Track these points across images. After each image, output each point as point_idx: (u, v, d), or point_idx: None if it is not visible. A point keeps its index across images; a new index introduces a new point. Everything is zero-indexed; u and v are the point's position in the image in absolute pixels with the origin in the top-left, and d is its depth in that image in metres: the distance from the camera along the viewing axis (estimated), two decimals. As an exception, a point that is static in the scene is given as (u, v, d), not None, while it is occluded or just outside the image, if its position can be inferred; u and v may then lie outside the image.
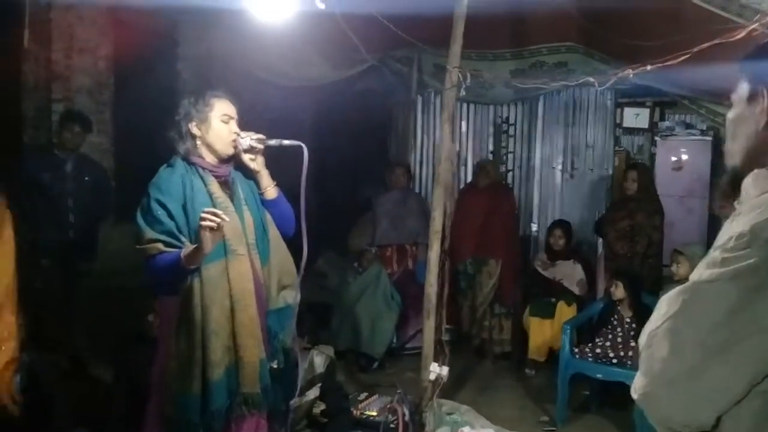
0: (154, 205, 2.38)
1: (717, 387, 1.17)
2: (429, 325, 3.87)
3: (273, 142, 2.54)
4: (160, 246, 2.34)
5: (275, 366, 2.55)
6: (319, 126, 6.93)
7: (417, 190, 6.39)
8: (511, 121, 6.79)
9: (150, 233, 2.36)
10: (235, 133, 2.51)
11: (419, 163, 6.57)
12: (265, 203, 2.60)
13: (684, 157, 6.84)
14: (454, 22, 3.88)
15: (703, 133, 6.68)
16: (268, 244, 2.55)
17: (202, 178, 2.45)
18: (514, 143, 6.79)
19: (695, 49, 2.99)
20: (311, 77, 6.04)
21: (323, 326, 5.22)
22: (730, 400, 1.16)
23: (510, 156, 6.81)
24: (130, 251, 5.43)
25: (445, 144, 3.90)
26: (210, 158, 2.51)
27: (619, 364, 4.22)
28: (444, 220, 3.87)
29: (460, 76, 3.88)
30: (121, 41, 5.68)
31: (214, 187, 2.46)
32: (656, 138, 6.96)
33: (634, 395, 1.32)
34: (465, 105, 6.53)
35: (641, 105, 6.87)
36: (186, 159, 2.48)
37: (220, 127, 2.50)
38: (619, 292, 4.39)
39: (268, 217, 2.59)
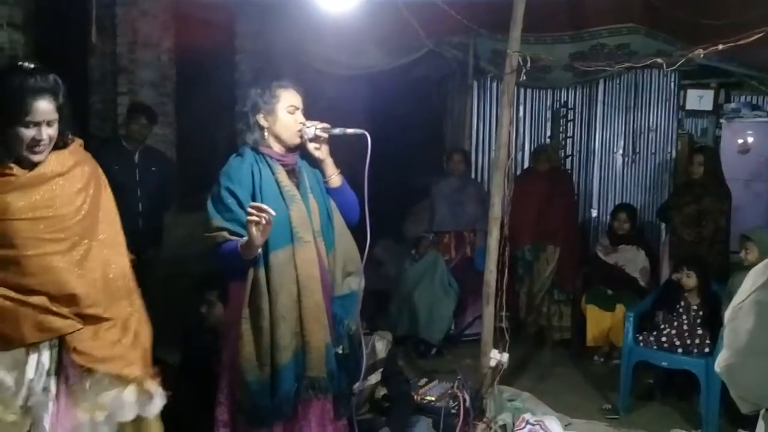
0: (225, 194, 2.44)
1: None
2: (488, 311, 3.87)
3: (337, 130, 2.57)
4: (226, 234, 2.41)
5: (341, 351, 2.60)
6: (375, 114, 6.94)
7: (473, 177, 6.35)
8: (570, 105, 6.66)
9: (218, 221, 2.43)
10: (301, 123, 2.56)
11: (475, 150, 6.52)
12: (330, 191, 2.64)
13: (750, 139, 6.62)
14: (514, 6, 3.83)
15: (771, 114, 6.44)
16: (332, 231, 2.59)
17: (270, 167, 2.51)
18: (573, 128, 6.67)
19: (764, 30, 2.87)
20: (366, 65, 6.06)
21: (381, 313, 5.26)
22: None
23: (569, 141, 6.69)
24: (194, 239, 5.60)
25: (504, 130, 3.87)
26: (277, 147, 2.57)
27: (685, 353, 4.12)
28: (503, 206, 3.85)
29: (520, 60, 3.83)
30: (182, 35, 5.82)
31: (282, 175, 2.52)
32: (721, 120, 6.75)
33: (717, 368, 1.31)
34: (522, 90, 6.45)
35: (705, 87, 6.65)
36: (254, 149, 2.53)
37: (286, 117, 2.54)
38: (690, 281, 4.28)
39: (333, 204, 2.63)
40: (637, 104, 6.45)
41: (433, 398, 3.78)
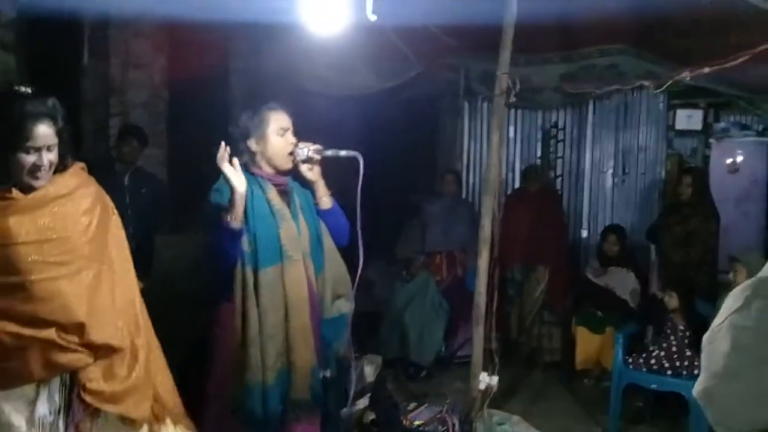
0: (215, 210, 2.45)
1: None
2: (478, 333, 3.85)
3: (330, 152, 2.58)
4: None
5: (328, 375, 2.59)
6: (366, 135, 6.97)
7: (464, 197, 6.37)
8: (560, 125, 6.70)
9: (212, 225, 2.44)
10: (292, 143, 2.57)
11: (466, 170, 6.55)
12: (321, 213, 2.65)
13: (739, 159, 6.65)
14: (503, 29, 3.86)
15: (759, 134, 6.48)
16: (322, 253, 2.60)
17: (261, 186, 2.53)
18: (564, 148, 6.70)
19: (757, 50, 2.90)
20: (357, 86, 6.09)
21: (371, 335, 5.25)
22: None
23: (559, 161, 6.73)
24: (184, 259, 5.57)
25: (494, 151, 3.88)
26: (269, 170, 2.58)
27: (675, 375, 4.12)
28: (493, 227, 3.85)
29: (509, 82, 3.86)
30: (175, 56, 5.84)
31: (273, 194, 2.53)
32: (710, 140, 6.78)
33: (694, 393, 1.30)
34: (513, 110, 6.48)
35: (694, 106, 6.69)
36: (246, 170, 2.53)
37: (277, 141, 2.56)
38: (673, 301, 4.30)
39: (323, 226, 2.64)
40: (627, 124, 6.49)
41: (422, 422, 3.77)
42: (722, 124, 6.81)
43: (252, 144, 2.55)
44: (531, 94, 5.86)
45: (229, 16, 4.79)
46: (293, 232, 2.50)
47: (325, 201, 2.66)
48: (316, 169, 2.61)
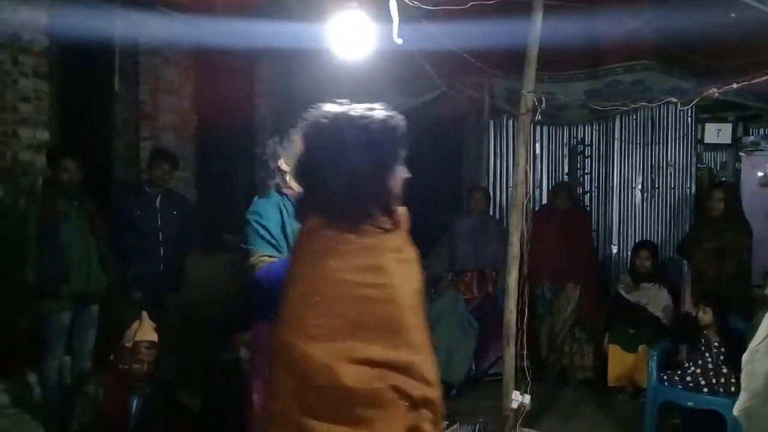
0: (256, 227, 2.54)
1: None
2: (509, 352, 3.83)
3: None
4: (266, 258, 2.47)
5: None
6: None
7: (492, 214, 6.36)
8: (587, 141, 6.67)
9: (259, 250, 2.50)
10: None
11: (493, 187, 6.54)
12: None
13: (771, 171, 6.56)
14: (528, 47, 3.89)
15: (790, 147, 6.40)
16: None
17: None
18: (591, 164, 6.67)
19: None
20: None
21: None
22: None
23: (586, 177, 6.69)
24: (215, 280, 5.62)
25: (521, 168, 3.89)
26: (299, 189, 2.63)
27: (711, 392, 4.05)
28: (522, 244, 3.85)
29: (535, 100, 3.87)
30: (203, 81, 5.96)
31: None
32: (740, 153, 6.71)
33: (735, 412, 1.30)
34: (539, 127, 6.48)
35: (723, 120, 6.63)
36: (278, 191, 2.65)
37: None
38: (707, 317, 4.23)
39: None
40: (655, 139, 6.44)
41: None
42: (752, 138, 6.74)
43: (282, 164, 2.64)
44: (557, 110, 5.85)
45: (256, 42, 4.89)
46: None
47: None
48: None
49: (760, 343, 1.31)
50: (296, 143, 2.62)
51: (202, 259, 5.78)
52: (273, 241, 2.51)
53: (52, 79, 4.76)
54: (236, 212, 6.62)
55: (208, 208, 6.19)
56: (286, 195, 2.62)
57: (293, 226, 2.50)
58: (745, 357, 1.34)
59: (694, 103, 3.23)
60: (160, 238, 4.60)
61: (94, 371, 3.59)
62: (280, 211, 2.58)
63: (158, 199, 4.70)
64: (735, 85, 2.93)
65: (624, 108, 3.61)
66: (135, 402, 3.28)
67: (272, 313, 2.43)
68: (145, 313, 3.46)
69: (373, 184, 1.66)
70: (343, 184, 1.64)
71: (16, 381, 4.03)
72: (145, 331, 3.36)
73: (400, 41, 3.09)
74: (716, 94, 3.06)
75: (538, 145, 6.57)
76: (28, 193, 4.38)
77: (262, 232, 2.52)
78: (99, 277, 4.22)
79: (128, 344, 3.29)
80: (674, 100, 3.34)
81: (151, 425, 3.25)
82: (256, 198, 2.67)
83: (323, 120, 1.73)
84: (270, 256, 2.48)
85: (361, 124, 1.68)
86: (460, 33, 4.46)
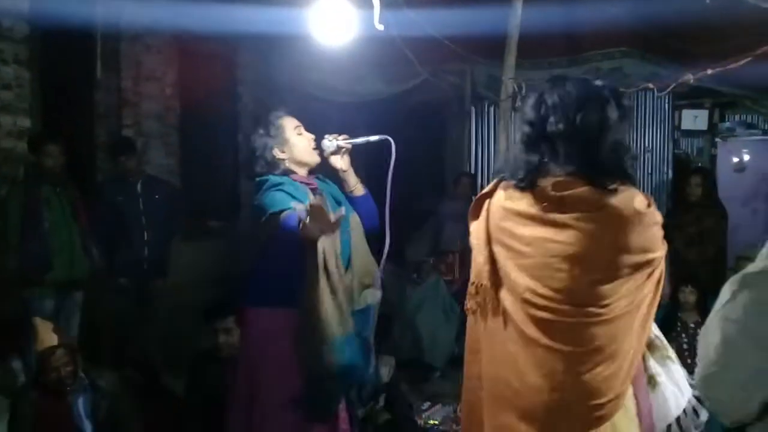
0: (271, 193, 2.46)
1: (761, 373, 1.21)
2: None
3: (360, 140, 2.62)
4: (285, 213, 2.34)
5: None
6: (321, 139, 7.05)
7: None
8: (567, 128, 6.75)
9: (277, 208, 2.39)
10: (312, 138, 2.64)
11: (474, 173, 6.59)
12: (354, 200, 2.68)
13: (746, 158, 6.68)
14: (508, 34, 3.94)
15: (765, 132, 6.52)
16: (349, 247, 2.62)
17: (302, 191, 2.54)
18: (571, 150, 6.75)
19: (758, 52, 2.96)
20: (365, 93, 6.17)
21: (384, 337, 5.29)
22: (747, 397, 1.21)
23: (566, 163, 6.76)
24: (199, 266, 5.63)
25: (501, 155, 3.95)
26: (302, 171, 2.64)
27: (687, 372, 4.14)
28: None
29: (515, 86, 3.93)
30: (185, 68, 5.94)
31: (310, 197, 2.56)
32: (716, 139, 6.83)
33: (694, 383, 1.37)
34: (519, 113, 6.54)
35: (699, 106, 6.75)
36: (285, 175, 2.58)
37: (298, 140, 2.63)
38: (692, 297, 4.34)
39: (352, 219, 2.65)
40: (633, 125, 6.54)
41: (436, 422, 3.82)
42: (728, 124, 6.86)
43: (277, 153, 2.60)
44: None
45: (237, 28, 4.90)
46: (338, 232, 2.50)
47: (359, 188, 2.71)
48: (346, 158, 2.65)
49: (713, 316, 1.38)
50: (283, 126, 2.64)
51: (187, 245, 5.80)
52: (291, 198, 2.39)
53: (32, 66, 4.72)
54: (220, 199, 6.70)
55: (192, 195, 6.20)
56: (293, 180, 2.57)
57: (336, 204, 2.49)
58: (701, 330, 1.41)
59: (670, 89, 3.30)
60: (144, 223, 4.60)
61: (26, 389, 3.30)
62: (289, 184, 2.51)
63: (139, 185, 4.68)
64: (710, 71, 3.00)
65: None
66: (80, 401, 3.10)
67: (279, 295, 2.44)
68: (36, 319, 3.28)
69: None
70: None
71: (0, 367, 4.04)
72: (43, 339, 3.10)
73: (381, 27, 3.12)
74: (691, 80, 3.13)
75: (518, 133, 6.62)
76: (10, 180, 4.36)
77: (278, 195, 2.43)
78: (82, 264, 4.22)
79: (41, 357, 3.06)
80: (651, 86, 3.41)
81: (111, 417, 3.14)
82: (262, 180, 2.57)
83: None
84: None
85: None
86: (442, 19, 4.49)
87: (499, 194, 1.86)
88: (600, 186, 1.66)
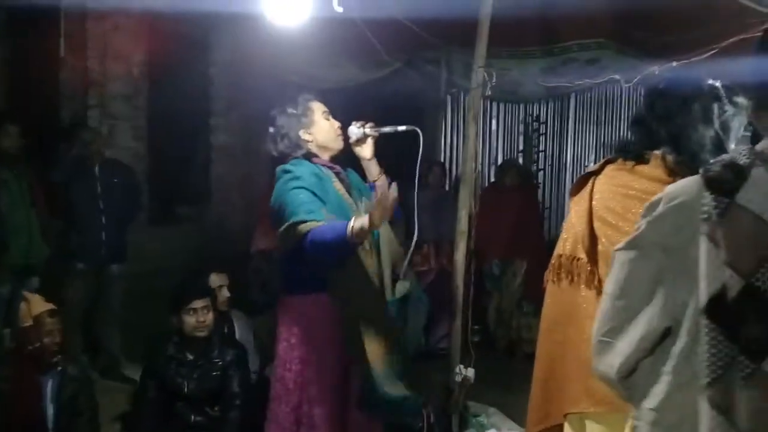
0: (296, 192, 2.37)
1: (620, 345, 1.29)
2: (456, 326, 3.86)
3: (388, 129, 2.63)
4: (312, 224, 2.27)
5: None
6: (347, 126, 6.97)
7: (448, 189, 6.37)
8: (542, 119, 6.72)
9: (301, 216, 2.31)
10: (338, 125, 2.60)
11: (448, 163, 6.56)
12: (377, 190, 2.63)
13: (726, 151, 6.69)
14: (479, 22, 3.86)
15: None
16: (377, 235, 2.57)
17: (327, 175, 2.51)
18: (545, 141, 6.73)
19: (723, 44, 2.93)
20: (339, 79, 6.07)
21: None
22: (628, 357, 1.27)
23: (541, 155, 6.75)
24: (166, 252, 5.54)
25: (471, 144, 3.88)
26: (324, 156, 2.58)
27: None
28: (470, 220, 3.86)
29: (485, 75, 3.86)
30: (154, 48, 5.80)
31: (337, 183, 2.53)
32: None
33: None
34: (495, 104, 6.49)
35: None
36: (307, 159, 2.52)
37: (326, 124, 2.58)
38: None
39: None
40: (608, 118, 6.52)
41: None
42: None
43: (303, 134, 2.54)
44: (513, 87, 5.86)
45: (208, 8, 4.78)
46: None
47: (382, 178, 2.69)
48: (370, 147, 2.64)
49: None
50: (313, 109, 2.56)
51: (156, 230, 5.70)
52: (319, 201, 2.33)
53: (-4, 43, 4.60)
54: (192, 185, 6.59)
55: (162, 180, 6.08)
56: (316, 163, 2.51)
57: (329, 190, 2.43)
58: None
59: (635, 81, 3.26)
60: (101, 208, 4.47)
61: None
62: (316, 177, 2.44)
63: (97, 168, 4.53)
64: (675, 63, 2.97)
65: (570, 85, 3.63)
66: (50, 384, 3.08)
67: (314, 284, 2.39)
68: (25, 291, 3.35)
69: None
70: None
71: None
72: (38, 303, 3.16)
73: (340, 9, 3.05)
74: (656, 72, 3.09)
75: (493, 122, 6.60)
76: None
77: (302, 195, 2.34)
78: (39, 248, 4.13)
79: (29, 323, 3.05)
80: (617, 77, 3.37)
81: (73, 402, 3.13)
82: (284, 167, 2.49)
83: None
84: (315, 221, 2.27)
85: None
86: (413, 4, 4.41)
87: (608, 173, 2.01)
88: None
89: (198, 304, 3.36)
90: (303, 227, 2.26)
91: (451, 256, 5.41)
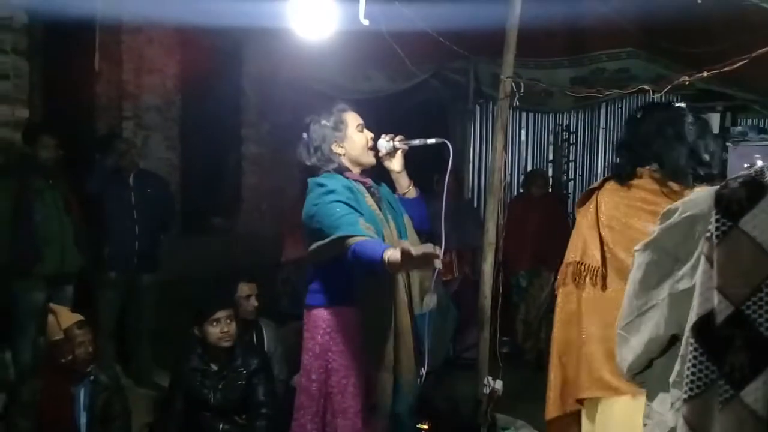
0: (333, 205, 2.34)
1: (633, 342, 1.35)
2: (484, 337, 3.84)
3: (417, 141, 2.60)
4: (355, 238, 2.24)
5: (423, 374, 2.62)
6: (378, 138, 7.00)
7: (475, 199, 6.36)
8: (572, 129, 6.67)
9: (343, 231, 2.28)
10: (371, 138, 2.57)
11: (477, 173, 6.54)
12: (406, 203, 2.65)
13: (758, 162, 6.53)
14: (507, 32, 3.86)
15: (777, 137, 6.37)
16: None
17: (359, 190, 2.48)
18: (575, 151, 6.67)
19: (754, 54, 2.87)
20: (369, 90, 6.11)
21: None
22: (638, 356, 1.34)
23: (571, 164, 6.69)
24: (198, 262, 5.60)
25: (498, 154, 3.87)
26: (356, 170, 2.56)
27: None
28: (498, 231, 3.84)
29: (513, 85, 3.85)
30: (187, 61, 5.91)
31: (368, 198, 2.50)
32: (728, 144, 6.69)
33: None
34: (524, 114, 6.46)
35: (710, 110, 6.60)
36: (340, 173, 2.51)
37: (359, 137, 2.55)
38: None
39: (404, 220, 2.61)
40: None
41: (425, 426, 3.75)
42: (739, 128, 6.70)
43: (336, 147, 2.51)
44: (542, 97, 5.83)
45: (241, 22, 4.84)
46: (393, 236, 2.48)
47: (412, 191, 2.68)
48: (400, 159, 2.61)
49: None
50: (347, 122, 2.54)
51: (187, 240, 5.78)
52: (356, 213, 2.30)
53: (31, 56, 4.71)
54: (224, 195, 6.67)
55: (195, 191, 6.18)
56: (350, 178, 2.49)
57: (366, 212, 2.38)
58: None
59: (665, 90, 3.21)
60: (135, 217, 4.55)
61: (31, 375, 3.35)
62: (351, 191, 2.42)
63: (131, 178, 4.62)
64: (705, 73, 2.92)
65: (598, 95, 3.60)
66: (82, 393, 3.12)
67: (343, 295, 2.41)
68: (51, 304, 3.35)
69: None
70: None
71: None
72: (66, 316, 3.18)
73: (366, 22, 3.06)
74: (687, 82, 3.05)
75: (523, 132, 6.57)
76: (4, 171, 4.34)
77: (338, 208, 2.31)
78: (74, 257, 4.20)
79: (59, 337, 3.08)
80: (647, 87, 3.32)
81: (106, 410, 3.17)
82: (316, 180, 2.46)
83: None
84: (355, 236, 2.24)
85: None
86: (444, 16, 4.42)
87: (609, 188, 2.33)
88: (682, 184, 2.20)
89: (221, 314, 3.38)
90: (349, 241, 2.25)
91: (473, 264, 5.42)
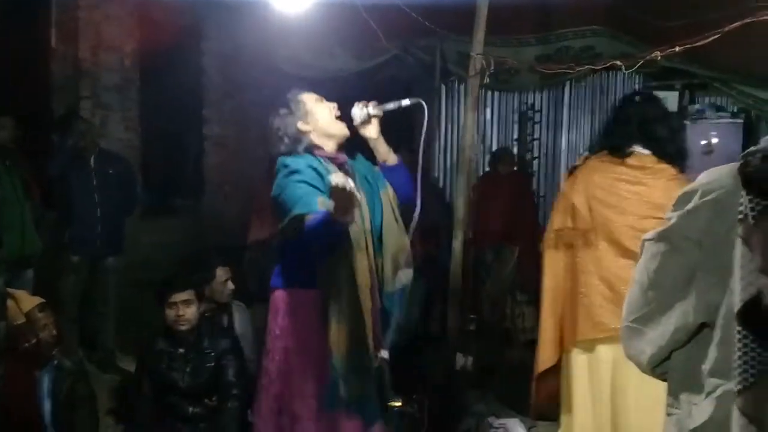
0: (292, 186, 2.30)
1: (652, 334, 1.31)
2: (452, 314, 3.86)
3: (392, 105, 2.51)
4: (309, 216, 2.20)
5: (385, 356, 2.55)
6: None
7: (441, 178, 6.38)
8: (537, 107, 6.71)
9: (298, 210, 2.24)
10: (334, 107, 2.50)
11: (443, 151, 6.55)
12: (386, 171, 2.57)
13: (714, 140, 6.66)
14: (477, 9, 3.85)
15: (734, 115, 6.50)
16: (380, 225, 2.50)
17: (327, 168, 2.39)
18: (540, 130, 6.72)
19: (726, 29, 2.89)
20: (333, 68, 6.04)
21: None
22: (662, 347, 1.29)
23: (536, 143, 6.74)
24: (160, 244, 5.50)
25: (468, 132, 3.87)
26: (329, 146, 2.48)
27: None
28: (466, 208, 3.86)
29: (483, 63, 3.84)
30: (146, 38, 5.74)
31: (330, 178, 2.43)
32: (686, 122, 6.81)
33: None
34: (489, 92, 6.47)
35: (670, 88, 6.71)
36: (309, 152, 2.44)
37: (320, 109, 2.48)
38: None
39: (382, 195, 2.53)
40: (603, 106, 6.51)
41: (398, 403, 3.75)
42: (697, 106, 6.83)
43: (301, 126, 2.44)
44: (507, 75, 5.84)
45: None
46: (366, 212, 2.43)
47: (392, 157, 2.58)
48: (375, 125, 2.52)
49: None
50: (303, 101, 2.47)
51: (149, 222, 5.66)
52: (316, 191, 2.25)
53: (-18, 33, 4.53)
54: (186, 176, 6.54)
55: (156, 172, 6.04)
56: (318, 156, 2.42)
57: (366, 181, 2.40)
58: None
59: (637, 66, 3.24)
60: (97, 200, 4.42)
61: None
62: (314, 170, 2.35)
63: (92, 159, 4.47)
64: (677, 48, 2.95)
65: (570, 72, 3.61)
66: (46, 379, 3.03)
67: (303, 276, 2.36)
68: (9, 289, 3.24)
69: None
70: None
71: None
72: (27, 299, 3.10)
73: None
74: (659, 57, 3.08)
75: (488, 111, 6.58)
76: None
77: (301, 186, 2.28)
78: (33, 241, 4.08)
79: (21, 321, 2.98)
80: (618, 63, 3.35)
81: (70, 396, 3.09)
82: (284, 159, 2.41)
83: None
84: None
85: None
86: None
87: (594, 164, 2.76)
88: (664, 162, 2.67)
89: (177, 297, 3.28)
90: (304, 219, 2.22)
91: (437, 240, 5.43)
